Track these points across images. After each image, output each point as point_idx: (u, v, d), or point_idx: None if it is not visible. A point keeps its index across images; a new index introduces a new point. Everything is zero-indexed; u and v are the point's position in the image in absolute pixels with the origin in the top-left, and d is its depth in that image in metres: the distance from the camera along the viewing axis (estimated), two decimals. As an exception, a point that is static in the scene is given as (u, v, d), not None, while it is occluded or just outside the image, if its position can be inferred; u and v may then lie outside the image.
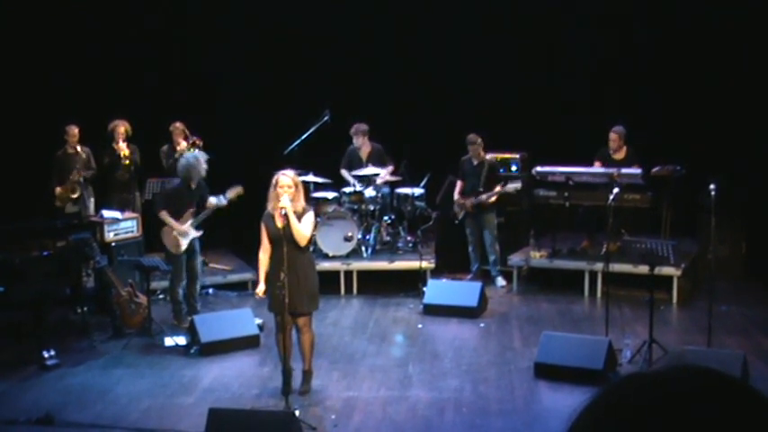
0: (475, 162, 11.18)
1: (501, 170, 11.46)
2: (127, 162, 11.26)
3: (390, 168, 11.62)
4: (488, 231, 11.24)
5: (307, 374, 7.89)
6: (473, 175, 11.18)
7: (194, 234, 9.71)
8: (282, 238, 7.39)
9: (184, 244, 9.63)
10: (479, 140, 11.06)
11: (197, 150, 11.13)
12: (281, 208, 7.34)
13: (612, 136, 11.03)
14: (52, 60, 12.25)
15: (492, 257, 11.35)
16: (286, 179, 7.47)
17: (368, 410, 7.45)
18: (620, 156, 11.09)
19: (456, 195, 11.35)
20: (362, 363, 8.65)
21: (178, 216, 9.59)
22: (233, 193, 9.91)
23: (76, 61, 12.32)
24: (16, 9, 12.23)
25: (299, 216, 7.50)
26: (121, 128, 11.20)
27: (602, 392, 1.15)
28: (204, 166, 9.82)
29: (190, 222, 9.62)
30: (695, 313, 9.79)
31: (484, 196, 11.01)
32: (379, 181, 11.50)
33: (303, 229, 7.50)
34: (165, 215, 9.58)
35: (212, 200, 9.81)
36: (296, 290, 7.41)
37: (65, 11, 12.33)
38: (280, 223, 7.39)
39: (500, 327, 9.78)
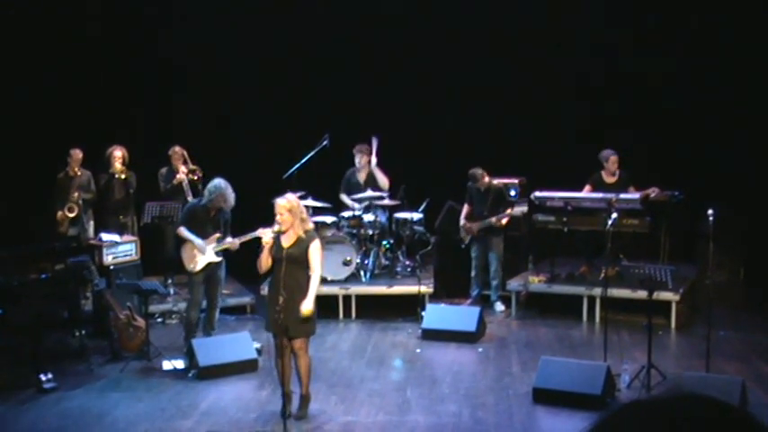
0: (482, 189, 11.20)
1: (509, 194, 11.45)
2: (123, 185, 11.26)
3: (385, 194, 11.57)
4: (495, 256, 11.24)
5: (304, 399, 7.73)
6: (480, 201, 11.21)
7: (213, 258, 9.26)
8: (283, 259, 7.36)
9: (201, 263, 9.20)
10: (480, 172, 11.06)
11: (196, 178, 11.16)
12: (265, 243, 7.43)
13: (613, 158, 11.06)
14: (55, 86, 12.30)
15: (494, 282, 11.34)
16: (278, 204, 7.41)
17: (366, 435, 7.43)
18: (612, 180, 11.13)
19: (462, 220, 11.36)
20: (361, 387, 8.62)
21: (200, 236, 9.19)
22: (246, 238, 9.09)
23: (78, 86, 12.37)
24: (20, 33, 12.29)
25: (305, 243, 7.39)
26: (118, 152, 11.24)
27: (600, 420, 1.16)
28: (231, 202, 9.22)
29: (212, 246, 9.21)
30: (693, 339, 9.78)
31: (494, 219, 10.98)
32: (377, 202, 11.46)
33: (317, 278, 7.49)
34: (183, 230, 9.22)
35: (229, 240, 9.20)
36: (290, 312, 7.29)
37: (69, 36, 12.40)
38: (285, 243, 7.38)
39: (498, 352, 9.77)
